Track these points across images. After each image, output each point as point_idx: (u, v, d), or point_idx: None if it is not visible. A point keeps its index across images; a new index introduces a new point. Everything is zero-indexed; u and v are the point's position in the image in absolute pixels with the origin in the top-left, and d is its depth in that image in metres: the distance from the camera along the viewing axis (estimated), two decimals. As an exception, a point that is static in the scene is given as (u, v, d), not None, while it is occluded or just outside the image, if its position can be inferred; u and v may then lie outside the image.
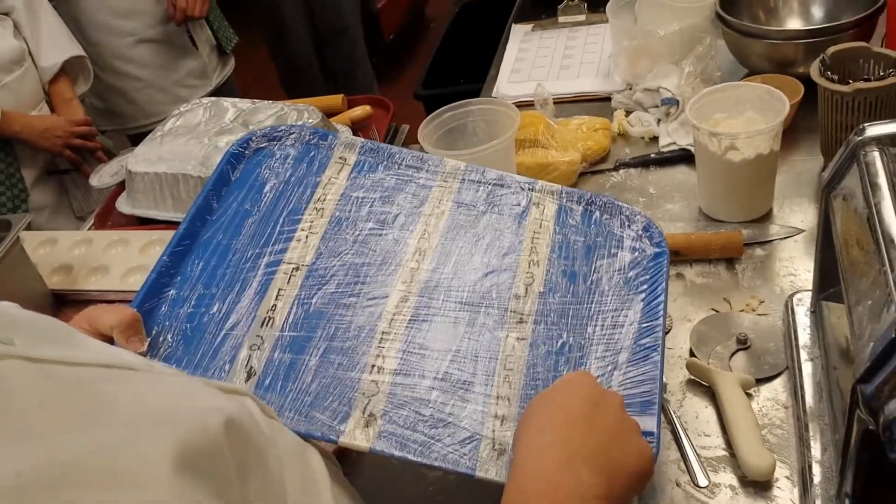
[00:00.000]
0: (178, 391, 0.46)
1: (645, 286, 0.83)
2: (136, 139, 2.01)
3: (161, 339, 0.75)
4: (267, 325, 0.76)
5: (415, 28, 4.24)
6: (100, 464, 0.35)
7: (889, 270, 0.64)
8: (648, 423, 0.71)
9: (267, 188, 0.87)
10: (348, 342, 0.75)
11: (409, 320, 0.78)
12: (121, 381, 0.42)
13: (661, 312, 0.80)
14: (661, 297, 0.82)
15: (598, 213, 0.90)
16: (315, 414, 0.71)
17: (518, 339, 0.77)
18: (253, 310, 0.77)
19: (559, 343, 0.78)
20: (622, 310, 0.81)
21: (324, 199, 0.87)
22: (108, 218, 1.45)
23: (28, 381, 0.36)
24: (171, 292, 0.78)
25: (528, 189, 0.91)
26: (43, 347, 0.40)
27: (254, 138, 0.91)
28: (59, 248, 1.33)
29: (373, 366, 0.73)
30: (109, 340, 0.69)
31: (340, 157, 0.91)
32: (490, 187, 0.91)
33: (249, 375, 0.73)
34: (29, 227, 1.24)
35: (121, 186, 1.48)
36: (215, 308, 0.77)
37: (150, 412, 0.40)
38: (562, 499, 0.59)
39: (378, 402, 0.71)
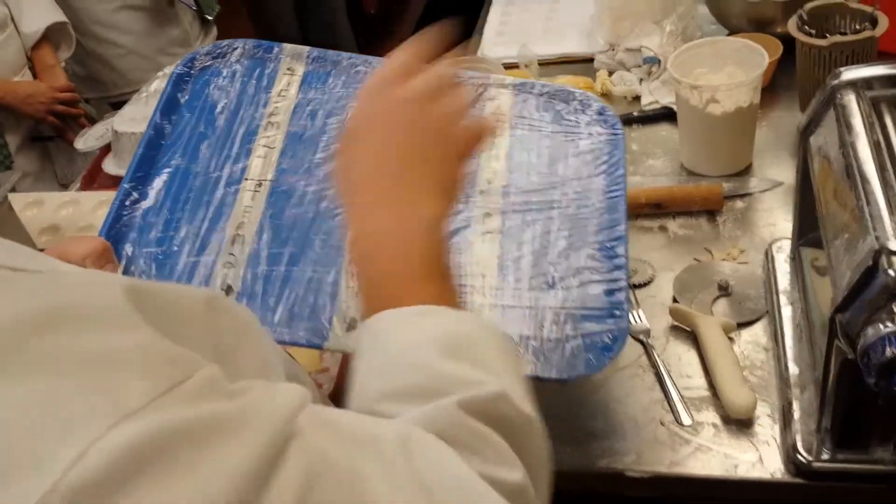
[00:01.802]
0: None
1: (604, 165, 0.85)
2: (117, 106, 1.99)
3: (133, 265, 0.76)
4: (238, 242, 0.78)
5: (397, 1, 4.22)
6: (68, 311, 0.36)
7: (865, 204, 0.66)
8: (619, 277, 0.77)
9: (218, 108, 0.87)
10: (321, 251, 0.77)
11: None
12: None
13: (622, 186, 0.83)
14: (621, 171, 0.84)
15: (552, 101, 0.91)
16: (297, 323, 0.72)
17: (485, 232, 0.80)
18: (222, 229, 0.78)
19: (527, 231, 0.80)
20: (584, 191, 0.84)
21: (277, 114, 0.86)
22: (95, 180, 1.46)
23: None
24: (136, 219, 0.79)
25: (482, 84, 0.91)
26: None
27: (198, 57, 0.90)
28: (45, 209, 1.33)
29: (348, 272, 0.75)
30: None
31: (288, 69, 0.90)
32: None
33: (227, 293, 0.74)
34: (14, 191, 1.24)
35: (105, 150, 1.48)
36: (184, 231, 0.78)
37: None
38: (411, 245, 0.56)
39: (358, 307, 0.72)
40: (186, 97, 0.88)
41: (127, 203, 0.80)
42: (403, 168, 0.58)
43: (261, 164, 0.83)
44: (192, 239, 0.78)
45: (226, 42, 0.91)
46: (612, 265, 0.79)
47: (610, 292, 0.77)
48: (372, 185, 0.58)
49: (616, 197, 0.83)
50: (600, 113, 0.90)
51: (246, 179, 0.82)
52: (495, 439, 0.46)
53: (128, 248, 0.78)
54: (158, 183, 0.82)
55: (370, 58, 0.92)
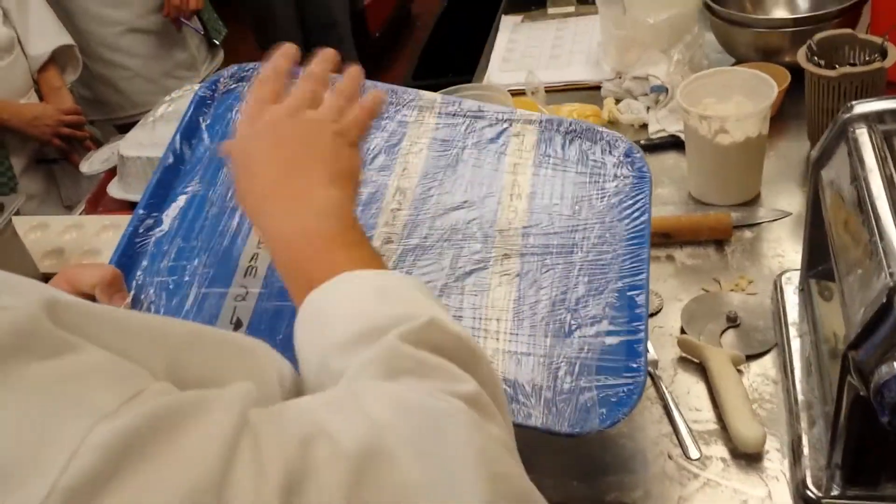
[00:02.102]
0: None
1: (629, 210, 0.83)
2: (123, 129, 2.00)
3: (143, 294, 0.74)
4: (250, 274, 0.76)
5: (401, 25, 4.25)
6: None
7: (878, 240, 0.65)
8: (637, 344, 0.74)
9: None
10: None
11: (395, 261, 0.78)
12: None
13: (646, 233, 0.81)
14: (645, 217, 0.82)
15: (579, 140, 0.89)
16: None
17: (503, 275, 0.78)
18: (234, 260, 0.76)
19: (545, 275, 0.78)
20: (606, 236, 0.81)
21: None
22: (99, 203, 1.45)
23: None
24: (149, 246, 0.77)
25: (507, 119, 0.89)
26: None
27: (222, 80, 0.88)
28: (50, 233, 1.33)
29: None
30: (91, 299, 0.69)
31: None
32: (468, 120, 0.89)
33: (237, 327, 0.72)
34: (18, 213, 1.23)
35: (111, 173, 1.48)
36: (196, 261, 0.76)
37: None
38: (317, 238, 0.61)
39: None
40: (208, 121, 0.86)
41: (140, 230, 0.79)
42: (290, 168, 0.64)
43: None
44: (205, 269, 0.76)
45: (251, 65, 0.90)
46: (632, 315, 0.77)
47: (628, 344, 0.75)
48: (268, 190, 0.64)
49: (639, 244, 0.81)
50: (627, 154, 0.88)
51: None
52: (438, 361, 0.49)
53: (138, 276, 0.76)
54: (174, 209, 0.80)
55: (397, 87, 0.91)
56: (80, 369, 0.37)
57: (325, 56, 0.73)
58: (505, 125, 0.89)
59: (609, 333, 0.76)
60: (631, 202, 0.84)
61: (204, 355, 0.48)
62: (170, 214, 0.80)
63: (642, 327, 0.76)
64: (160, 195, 0.81)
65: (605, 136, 0.89)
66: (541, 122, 0.90)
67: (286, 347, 0.72)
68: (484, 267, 0.78)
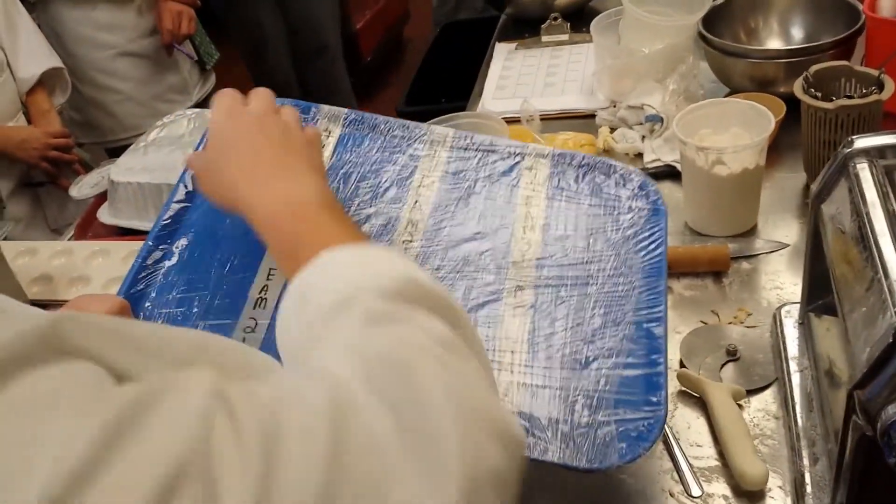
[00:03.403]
0: None
1: (644, 242, 0.82)
2: (113, 153, 2.00)
3: None
4: (259, 306, 0.75)
5: (393, 49, 4.26)
6: None
7: (883, 278, 0.64)
8: (656, 378, 0.73)
9: None
10: None
11: None
12: None
13: (662, 265, 0.80)
14: (662, 250, 0.81)
15: (592, 173, 0.88)
16: None
17: (516, 307, 0.77)
18: (244, 292, 0.76)
19: (560, 307, 0.77)
20: (622, 268, 0.80)
21: None
22: (89, 229, 1.44)
23: None
24: (158, 278, 0.77)
25: (519, 153, 0.89)
26: None
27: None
28: (38, 259, 1.31)
29: None
30: None
31: (325, 130, 0.90)
32: (480, 154, 0.89)
33: None
34: (5, 239, 1.22)
35: (100, 198, 1.46)
36: (205, 293, 0.76)
37: None
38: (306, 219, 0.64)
39: None
40: None
41: (149, 262, 0.78)
42: (275, 156, 0.69)
43: None
44: (214, 301, 0.76)
45: None
46: (651, 347, 0.75)
47: (647, 377, 0.73)
48: (254, 175, 0.68)
49: (656, 276, 0.80)
50: (642, 187, 0.87)
51: None
52: (411, 309, 0.50)
53: (146, 307, 0.76)
54: (183, 242, 0.80)
55: (408, 122, 0.91)
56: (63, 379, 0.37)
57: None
58: (517, 158, 0.88)
59: (627, 366, 0.74)
60: (647, 234, 0.83)
61: (209, 362, 0.47)
62: (179, 246, 0.80)
63: (661, 360, 0.75)
64: (170, 228, 0.81)
65: (618, 170, 0.88)
66: (553, 155, 0.89)
67: None
68: (497, 298, 0.77)
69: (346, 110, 0.91)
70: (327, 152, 0.88)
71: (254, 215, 0.67)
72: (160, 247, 0.79)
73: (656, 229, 0.84)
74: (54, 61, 1.86)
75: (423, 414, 0.42)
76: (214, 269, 0.78)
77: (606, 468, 0.69)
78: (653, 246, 0.82)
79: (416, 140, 0.89)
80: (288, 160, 0.69)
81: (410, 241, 0.81)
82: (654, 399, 0.72)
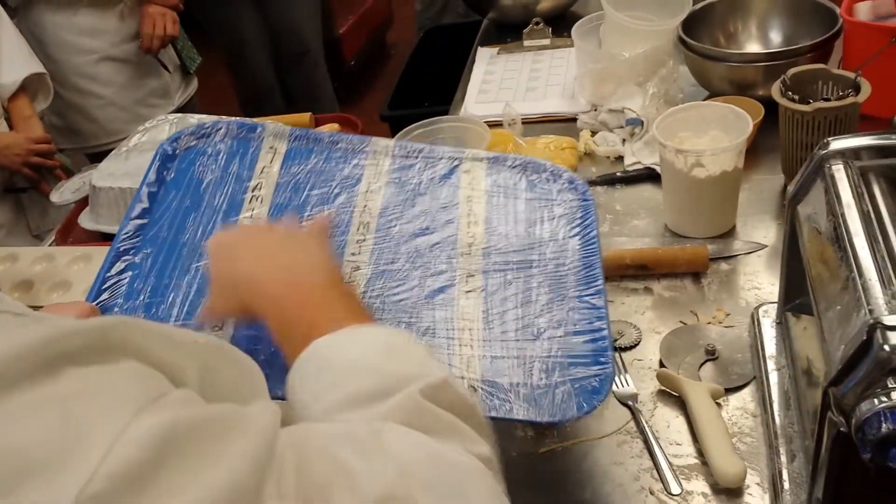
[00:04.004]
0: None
1: (578, 228, 0.89)
2: (94, 158, 1.99)
3: None
4: None
5: (376, 53, 4.27)
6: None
7: (857, 276, 0.65)
8: (601, 340, 0.78)
9: (203, 185, 0.89)
10: None
11: (365, 285, 0.82)
12: None
13: (597, 245, 0.87)
14: (594, 232, 0.88)
15: (525, 172, 0.95)
16: None
17: (469, 291, 0.82)
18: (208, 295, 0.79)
19: (509, 288, 0.83)
20: (561, 251, 0.87)
21: (261, 187, 0.89)
22: (70, 234, 1.43)
23: None
24: (124, 287, 0.80)
25: (458, 158, 0.95)
26: None
27: (182, 137, 0.93)
28: (19, 265, 1.30)
29: None
30: None
31: (271, 147, 0.94)
32: (420, 160, 0.94)
33: None
34: (-13, 244, 1.21)
35: (82, 203, 1.46)
36: (171, 297, 0.80)
37: None
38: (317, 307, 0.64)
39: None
40: (172, 175, 0.90)
41: (113, 272, 0.81)
42: (279, 247, 0.70)
43: None
44: (180, 305, 0.79)
45: (209, 123, 0.95)
46: (594, 316, 0.81)
47: (594, 341, 0.79)
48: (256, 260, 0.68)
49: (592, 256, 0.86)
50: (570, 181, 0.94)
51: None
52: (455, 420, 0.51)
53: (115, 313, 0.78)
54: (145, 252, 0.83)
55: (351, 136, 0.96)
56: (111, 372, 0.39)
57: None
58: (455, 163, 0.95)
59: (575, 334, 0.80)
60: (580, 219, 0.90)
61: (227, 367, 0.50)
62: (142, 257, 0.83)
63: (604, 326, 0.80)
64: (131, 240, 0.84)
65: (548, 168, 0.95)
66: (488, 159, 0.96)
67: (267, 370, 0.73)
68: (451, 284, 0.83)
69: (290, 128, 0.95)
70: (275, 168, 0.92)
71: (256, 300, 0.67)
72: (123, 258, 0.82)
73: (588, 215, 0.90)
74: (36, 67, 1.85)
75: None
76: (178, 276, 0.81)
77: (568, 420, 0.74)
78: (587, 230, 0.89)
79: (359, 151, 0.94)
80: (293, 250, 0.70)
81: (363, 241, 0.86)
82: (603, 359, 0.77)
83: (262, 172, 0.91)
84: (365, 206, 0.89)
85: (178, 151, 0.92)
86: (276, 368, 0.72)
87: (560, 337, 0.79)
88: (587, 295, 0.83)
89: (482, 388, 0.74)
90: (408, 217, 0.89)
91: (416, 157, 0.94)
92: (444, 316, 0.80)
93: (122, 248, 0.83)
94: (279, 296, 0.65)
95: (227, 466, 0.37)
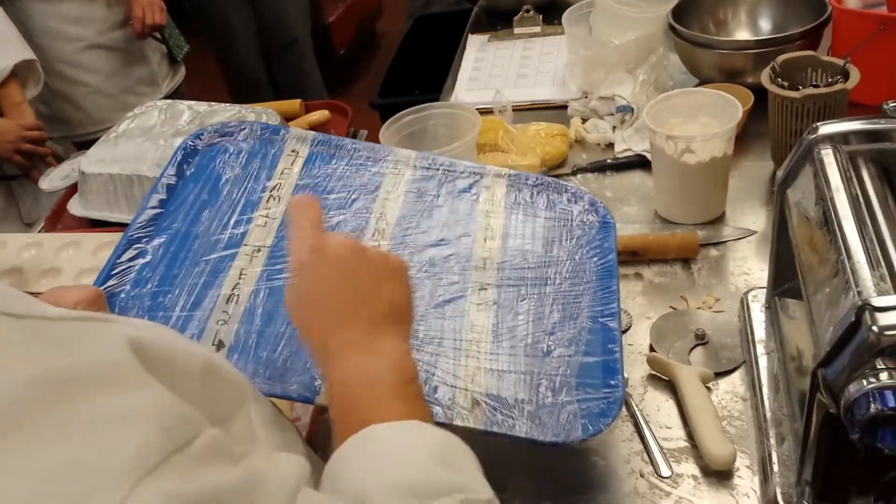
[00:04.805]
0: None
1: (597, 250, 0.89)
2: (81, 146, 1.97)
3: (126, 314, 0.76)
4: (232, 301, 0.78)
5: (366, 42, 4.25)
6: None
7: (846, 259, 0.66)
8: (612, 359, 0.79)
9: (223, 181, 0.89)
10: None
11: None
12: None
13: (614, 270, 0.87)
14: (612, 257, 0.88)
15: (546, 192, 0.95)
16: (290, 377, 0.73)
17: (480, 303, 0.81)
18: (217, 288, 0.79)
19: (521, 303, 0.83)
20: (577, 271, 0.87)
21: (280, 188, 0.89)
22: (59, 221, 1.42)
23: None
24: (132, 274, 0.80)
25: (478, 173, 0.95)
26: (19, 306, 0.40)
27: (205, 134, 0.93)
28: (8, 251, 1.30)
29: None
30: None
31: (293, 150, 0.94)
32: (441, 173, 0.94)
33: (219, 348, 0.74)
34: (-24, 231, 1.21)
35: (71, 190, 1.45)
36: (178, 288, 0.79)
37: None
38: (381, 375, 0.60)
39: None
40: (192, 170, 0.90)
41: (124, 258, 0.81)
42: (358, 304, 0.63)
43: (260, 231, 0.85)
44: (187, 295, 0.79)
45: (234, 122, 0.95)
46: (606, 338, 0.81)
47: (605, 363, 0.78)
48: (333, 327, 0.62)
49: (608, 278, 0.86)
50: (592, 204, 0.95)
51: (245, 245, 0.83)
52: None
53: (121, 299, 0.78)
54: (157, 242, 0.83)
55: (373, 144, 0.96)
56: (136, 407, 0.37)
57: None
58: (476, 178, 0.94)
59: (586, 354, 0.79)
60: (598, 243, 0.90)
61: (221, 388, 0.49)
62: (153, 245, 0.83)
63: (617, 349, 0.79)
64: (145, 229, 0.84)
65: (570, 189, 0.95)
66: (510, 175, 0.95)
67: (268, 367, 0.73)
68: (462, 296, 0.82)
69: (313, 133, 0.95)
70: (295, 170, 0.92)
71: (326, 378, 0.63)
72: (135, 246, 0.82)
73: (607, 239, 0.91)
74: (27, 53, 1.83)
75: None
76: (187, 267, 0.81)
77: (571, 442, 0.73)
78: (605, 252, 0.89)
79: (380, 160, 0.94)
80: (370, 312, 0.63)
81: (377, 247, 0.85)
82: (613, 382, 0.77)
83: (282, 174, 0.91)
84: (382, 212, 0.89)
85: (200, 147, 0.92)
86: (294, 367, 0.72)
87: (570, 357, 0.79)
88: (601, 317, 0.83)
89: (486, 402, 0.73)
90: (424, 227, 0.88)
91: (437, 170, 0.94)
92: (453, 326, 0.79)
93: (134, 236, 0.82)
94: (345, 383, 0.61)
95: None
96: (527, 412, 0.73)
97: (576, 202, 0.94)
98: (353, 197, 0.90)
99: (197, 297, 0.78)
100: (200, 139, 0.92)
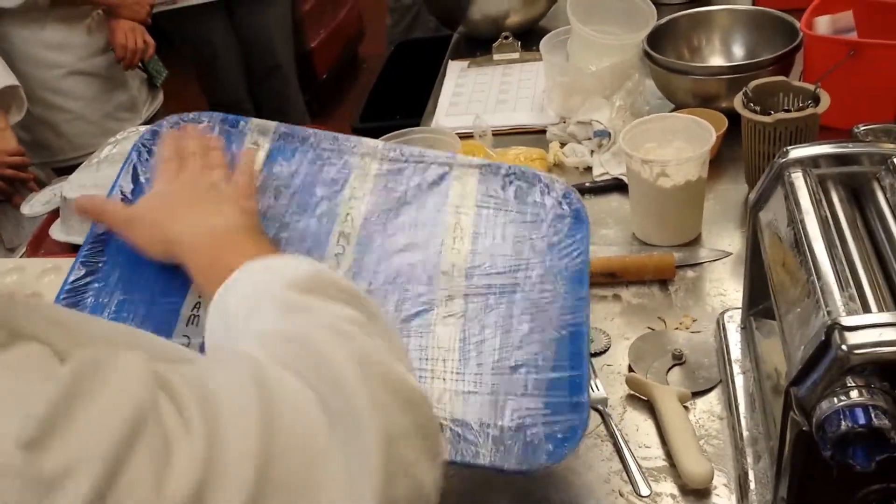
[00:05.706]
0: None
1: (567, 250, 0.86)
2: (62, 172, 1.97)
3: None
4: (192, 323, 0.76)
5: (348, 67, 4.28)
6: None
7: (815, 279, 0.68)
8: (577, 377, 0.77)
9: None
10: None
11: None
12: None
13: (584, 272, 0.84)
14: (584, 258, 0.86)
15: (517, 182, 0.91)
16: None
17: (447, 316, 0.79)
18: (176, 310, 0.77)
19: (489, 313, 0.80)
20: (547, 274, 0.84)
21: None
22: (41, 246, 1.42)
23: None
24: (89, 300, 0.77)
25: (448, 164, 0.91)
26: None
27: (161, 130, 0.88)
28: (-11, 277, 1.29)
29: None
30: None
31: (253, 143, 0.89)
32: (409, 164, 0.90)
33: None
34: (-43, 257, 1.21)
35: (53, 215, 1.45)
36: (136, 312, 0.77)
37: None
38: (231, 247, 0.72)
39: None
40: (148, 174, 0.85)
41: (80, 283, 0.78)
42: (203, 202, 0.78)
43: None
44: (146, 318, 0.76)
45: (191, 115, 0.90)
46: (573, 349, 0.79)
47: (571, 379, 0.77)
48: (184, 216, 0.76)
49: (579, 282, 0.84)
50: (565, 196, 0.90)
51: None
52: (323, 299, 0.59)
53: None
54: (110, 267, 0.79)
55: (338, 134, 0.92)
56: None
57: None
58: (446, 168, 0.90)
59: (553, 369, 0.78)
60: (570, 241, 0.87)
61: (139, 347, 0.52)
62: (107, 272, 0.79)
63: (584, 363, 0.79)
64: (95, 252, 0.80)
65: (542, 179, 0.91)
66: (480, 166, 0.92)
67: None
68: (429, 309, 0.80)
69: (275, 123, 0.91)
70: (257, 165, 0.87)
71: (180, 248, 0.74)
72: (88, 271, 0.79)
73: (578, 237, 0.87)
74: (10, 79, 1.84)
75: (335, 382, 0.49)
76: (144, 291, 0.78)
77: (535, 470, 0.73)
78: (575, 253, 0.86)
79: (346, 152, 0.90)
80: (215, 204, 0.77)
81: (342, 254, 0.83)
82: (577, 401, 0.76)
83: None
84: (348, 214, 0.85)
85: (155, 147, 0.87)
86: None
87: (536, 373, 0.77)
88: (570, 325, 0.81)
89: (450, 428, 0.72)
90: (391, 230, 0.85)
91: (406, 162, 0.90)
92: (419, 343, 0.77)
93: (86, 261, 0.80)
94: (195, 251, 0.73)
95: (118, 390, 0.41)
96: (491, 437, 0.73)
97: (548, 193, 0.90)
98: (317, 199, 0.86)
99: (156, 321, 0.76)
100: (157, 136, 0.87)
